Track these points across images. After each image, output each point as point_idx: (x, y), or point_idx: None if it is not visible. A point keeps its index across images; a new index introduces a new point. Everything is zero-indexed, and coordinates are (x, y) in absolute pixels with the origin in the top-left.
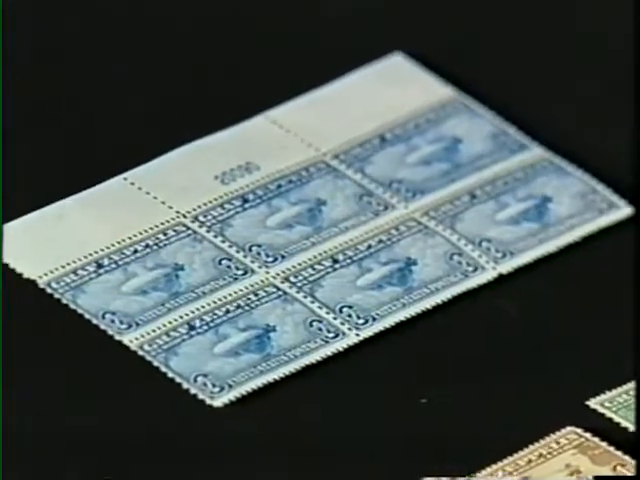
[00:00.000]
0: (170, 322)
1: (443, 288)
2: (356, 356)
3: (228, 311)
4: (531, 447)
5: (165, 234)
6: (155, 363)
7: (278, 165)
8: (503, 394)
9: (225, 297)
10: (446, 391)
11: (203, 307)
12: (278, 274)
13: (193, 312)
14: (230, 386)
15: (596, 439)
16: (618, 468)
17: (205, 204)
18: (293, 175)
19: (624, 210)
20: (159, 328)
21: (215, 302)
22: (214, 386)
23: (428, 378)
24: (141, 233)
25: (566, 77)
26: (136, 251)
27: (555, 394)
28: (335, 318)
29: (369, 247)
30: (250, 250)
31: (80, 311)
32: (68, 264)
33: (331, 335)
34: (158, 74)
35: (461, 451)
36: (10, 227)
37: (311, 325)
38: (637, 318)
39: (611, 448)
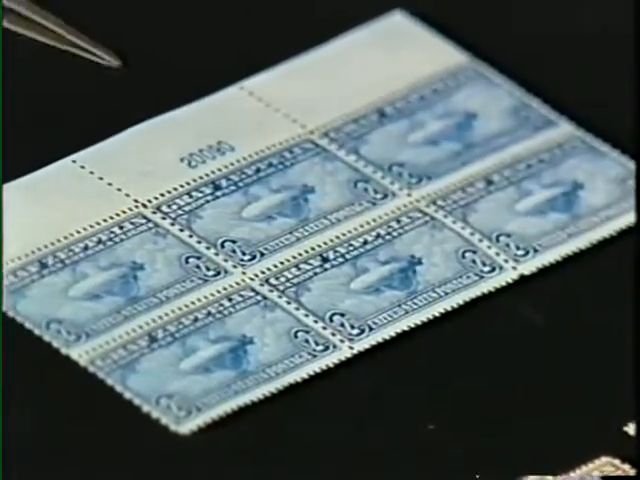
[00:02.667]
0: (127, 333)
1: (453, 292)
2: (349, 373)
3: (197, 319)
4: (564, 477)
5: (121, 227)
6: (109, 381)
7: (256, 145)
8: (526, 418)
9: (193, 303)
10: (458, 414)
11: (167, 315)
12: (256, 275)
13: (155, 321)
14: (199, 409)
15: (633, 472)
16: None
17: (169, 192)
18: (274, 157)
19: None
20: (114, 340)
21: (181, 309)
22: (180, 409)
23: (436, 399)
24: (92, 226)
25: (601, 40)
26: (86, 248)
27: (588, 418)
28: (325, 328)
29: (365, 243)
30: (223, 247)
31: (19, 319)
32: (5, 263)
33: (320, 348)
34: (112, 34)
35: None
36: None
37: (296, 336)
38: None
39: None
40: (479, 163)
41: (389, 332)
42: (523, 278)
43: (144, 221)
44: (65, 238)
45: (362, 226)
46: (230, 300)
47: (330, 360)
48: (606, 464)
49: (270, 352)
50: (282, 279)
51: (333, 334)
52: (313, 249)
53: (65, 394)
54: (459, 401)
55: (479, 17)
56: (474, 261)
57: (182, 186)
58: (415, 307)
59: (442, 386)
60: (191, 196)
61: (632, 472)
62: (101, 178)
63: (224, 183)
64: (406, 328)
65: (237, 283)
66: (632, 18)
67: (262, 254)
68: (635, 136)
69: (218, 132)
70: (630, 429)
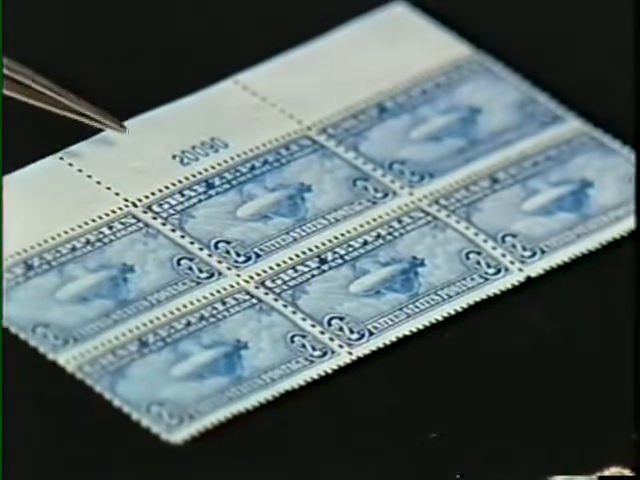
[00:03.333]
0: (117, 337)
1: (457, 295)
2: (348, 380)
3: (189, 323)
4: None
5: (110, 227)
6: (98, 388)
7: (251, 142)
8: (532, 427)
9: (185, 306)
10: (461, 423)
11: (158, 319)
12: (252, 277)
13: (145, 325)
14: (191, 417)
15: None
16: None
17: (160, 190)
18: (270, 154)
19: None
20: (103, 345)
21: (173, 312)
22: (172, 417)
23: (438, 407)
24: (80, 226)
25: (613, 31)
26: (74, 249)
27: (597, 426)
28: (322, 332)
29: (365, 244)
30: (216, 248)
31: (5, 323)
32: None
33: (317, 353)
34: (95, 29)
35: None
36: None
37: (292, 341)
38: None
39: None
40: (483, 160)
41: (390, 337)
42: (530, 280)
43: (134, 221)
44: (52, 239)
45: (362, 226)
46: (224, 303)
47: (328, 366)
48: (616, 474)
49: (265, 358)
50: (278, 281)
51: (331, 339)
52: (310, 250)
53: (52, 401)
54: (462, 409)
55: (483, 8)
56: (478, 263)
57: (174, 184)
58: (417, 310)
59: (445, 393)
60: (183, 195)
61: None
62: (89, 176)
63: (217, 181)
64: (408, 333)
65: (231, 286)
66: None
67: (257, 255)
68: (636, 130)
69: (211, 128)
70: None
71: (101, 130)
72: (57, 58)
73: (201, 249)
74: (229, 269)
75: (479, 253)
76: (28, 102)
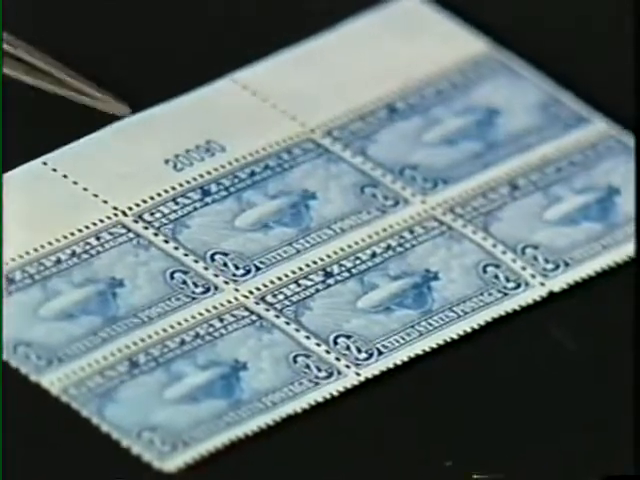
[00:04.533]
0: (105, 357)
1: (473, 311)
2: (355, 403)
3: (183, 342)
4: None
5: (98, 238)
6: (85, 412)
7: (250, 145)
8: (555, 452)
9: (180, 323)
10: (477, 449)
11: (150, 337)
12: (251, 292)
13: (136, 344)
14: (186, 444)
15: None
16: None
17: (152, 198)
18: (271, 158)
19: None
20: (90, 365)
21: (166, 330)
22: (164, 443)
23: (453, 432)
24: (66, 237)
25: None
26: (59, 261)
27: (624, 449)
28: (328, 352)
29: (373, 256)
30: (213, 260)
31: None
32: None
33: (322, 375)
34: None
35: None
36: None
37: (295, 361)
38: None
39: None
40: (502, 165)
41: (401, 356)
42: (552, 295)
43: (124, 231)
44: (35, 250)
45: (370, 237)
46: (221, 320)
47: (334, 388)
48: None
49: (266, 379)
50: (280, 296)
51: (337, 359)
52: (315, 263)
53: (34, 426)
54: (479, 433)
55: (502, 1)
56: (497, 276)
57: (167, 191)
58: (430, 328)
59: (460, 417)
60: (177, 203)
61: None
62: (75, 182)
63: (214, 188)
64: (420, 352)
65: (229, 301)
66: None
67: (257, 268)
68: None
69: (207, 130)
70: None
71: (88, 132)
72: (47, 53)
73: (196, 261)
74: (227, 283)
75: (497, 266)
76: (24, 80)
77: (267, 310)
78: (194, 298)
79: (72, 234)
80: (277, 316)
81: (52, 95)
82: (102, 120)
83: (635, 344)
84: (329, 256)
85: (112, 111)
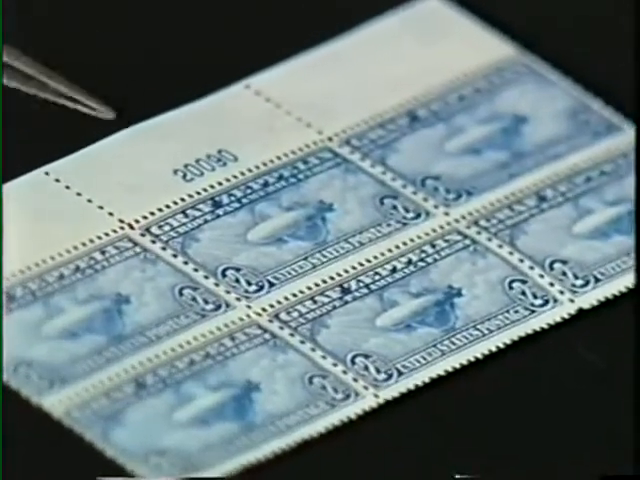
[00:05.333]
0: (111, 378)
1: (499, 329)
2: (374, 425)
3: (193, 362)
4: None
5: (103, 252)
6: (89, 436)
7: (264, 154)
8: (587, 475)
9: (189, 342)
10: (502, 473)
11: (157, 357)
12: (264, 309)
13: (143, 364)
14: (196, 468)
15: None
16: None
17: (160, 210)
18: (285, 168)
19: None
20: (95, 387)
21: (175, 349)
22: (173, 469)
23: (477, 456)
24: (69, 251)
25: None
26: (62, 276)
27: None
28: (345, 372)
29: (393, 271)
30: (224, 275)
31: None
32: None
33: (340, 396)
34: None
35: None
36: None
37: (311, 382)
38: None
39: None
40: (529, 176)
41: (422, 377)
42: (582, 313)
43: (130, 245)
44: (36, 265)
45: (390, 251)
46: (233, 339)
47: (352, 411)
48: None
49: (280, 401)
50: (295, 314)
51: (355, 380)
52: (332, 278)
53: (36, 451)
54: (504, 457)
55: (529, 2)
56: (524, 293)
57: (176, 203)
58: (453, 347)
59: (484, 440)
60: (186, 215)
61: None
62: (79, 194)
63: (225, 199)
64: (442, 372)
65: (241, 319)
66: None
67: (271, 284)
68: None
69: (218, 139)
70: None
71: (92, 141)
72: (55, 55)
73: (207, 277)
74: (238, 300)
75: (524, 282)
76: (12, 85)
77: (281, 328)
78: (204, 315)
79: (76, 248)
80: (292, 334)
81: (55, 103)
82: (107, 128)
83: None
84: (347, 271)
85: (99, 115)
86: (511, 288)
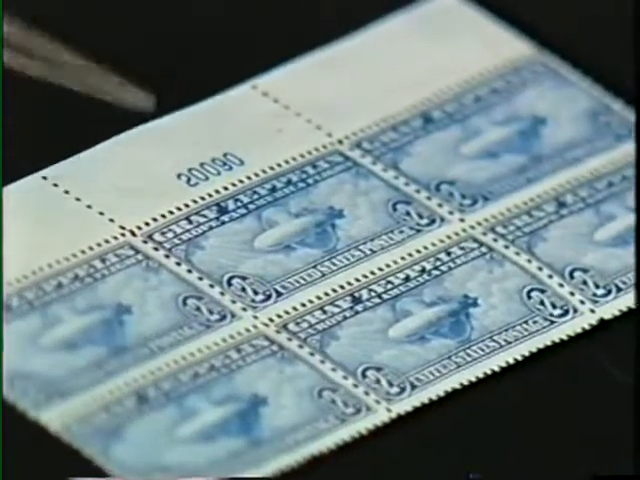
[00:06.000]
0: (111, 391)
1: (517, 341)
2: (386, 441)
3: (197, 375)
4: None
5: (104, 260)
6: (88, 452)
7: (271, 158)
8: None
9: (193, 354)
10: None
11: (160, 369)
12: (272, 320)
13: (145, 376)
14: None
15: None
16: None
17: (163, 216)
18: (294, 173)
19: None
20: (94, 400)
21: (178, 362)
22: None
23: (493, 472)
24: (68, 259)
25: None
26: (60, 285)
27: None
28: (356, 385)
29: (407, 279)
30: (230, 284)
31: None
32: None
33: (350, 410)
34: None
35: None
36: None
37: (320, 396)
38: None
39: None
40: (548, 180)
41: (436, 391)
42: (603, 323)
43: (132, 252)
44: (33, 274)
45: (403, 259)
46: (239, 351)
47: (363, 425)
48: None
49: (288, 416)
50: (303, 325)
51: (366, 393)
52: (342, 287)
53: (33, 468)
54: (522, 474)
55: None
56: (542, 302)
57: (179, 209)
58: (469, 359)
59: (501, 456)
60: (190, 221)
61: None
62: (78, 199)
63: (231, 205)
64: (457, 386)
65: (247, 330)
66: None
67: (279, 293)
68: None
69: (224, 142)
70: None
71: (92, 143)
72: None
73: (211, 286)
74: (245, 310)
75: (543, 291)
76: (43, 76)
77: (289, 340)
78: (209, 326)
79: (75, 256)
80: (300, 346)
81: (52, 102)
82: (108, 131)
83: None
84: (358, 280)
85: (136, 103)
86: (529, 298)
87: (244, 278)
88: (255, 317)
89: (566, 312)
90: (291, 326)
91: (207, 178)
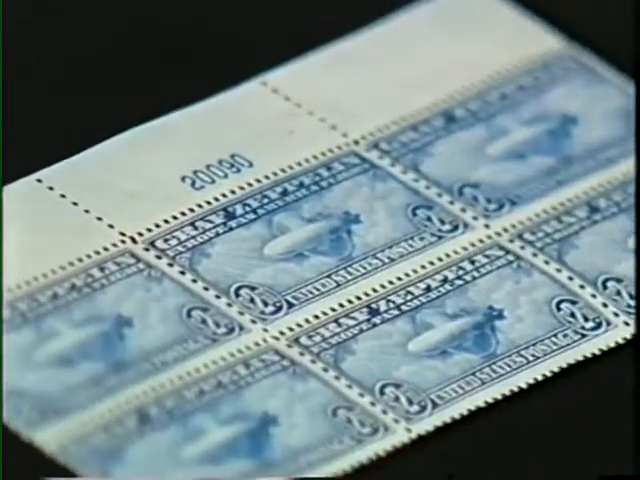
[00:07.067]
0: (110, 410)
1: (545, 356)
2: (405, 463)
3: (203, 392)
4: None
5: (102, 269)
6: (86, 474)
7: (282, 159)
8: None
9: (198, 370)
10: None
11: (163, 386)
12: (283, 333)
13: (147, 394)
14: None
15: None
16: None
17: (166, 221)
18: (306, 175)
19: None
20: (92, 420)
21: (182, 378)
22: None
23: None
24: (64, 268)
25: None
26: (56, 296)
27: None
28: (373, 403)
29: (428, 290)
30: (237, 295)
31: None
32: None
33: (367, 430)
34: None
35: None
36: None
37: (335, 415)
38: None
39: None
40: (580, 183)
41: (459, 409)
42: (638, 336)
43: (133, 261)
44: (27, 284)
45: (424, 267)
46: (247, 366)
47: (381, 447)
48: None
49: (301, 436)
50: (317, 338)
51: (385, 412)
52: (359, 298)
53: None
54: None
55: None
56: (573, 314)
57: (184, 214)
58: (494, 376)
59: (530, 478)
60: (196, 227)
61: None
62: (75, 203)
63: (240, 210)
64: (482, 404)
65: (257, 343)
66: None
67: (290, 305)
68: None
69: (231, 142)
70: None
71: (90, 144)
72: (60, 50)
73: (218, 297)
74: (254, 322)
75: (574, 302)
76: None
77: (302, 354)
78: (215, 340)
79: (71, 264)
80: (313, 361)
81: (47, 97)
82: (107, 130)
83: None
84: (375, 290)
85: None
86: (559, 309)
87: (253, 288)
88: (265, 330)
89: (599, 325)
90: (303, 340)
91: (213, 181)
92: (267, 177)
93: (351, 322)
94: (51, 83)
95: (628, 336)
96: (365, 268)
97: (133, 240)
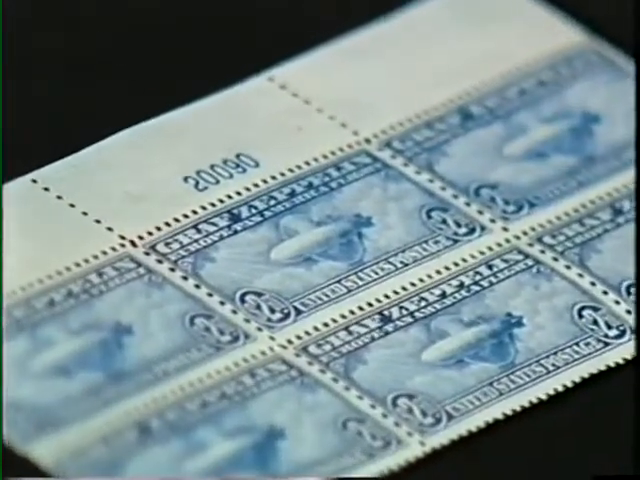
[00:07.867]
0: (109, 422)
1: (566, 365)
2: (419, 478)
3: (206, 403)
4: None
5: (101, 274)
6: None
7: (290, 159)
8: None
9: (202, 380)
10: None
11: (164, 397)
12: (290, 341)
13: (147, 405)
14: None
15: None
16: None
17: (168, 224)
18: (315, 175)
19: None
20: (90, 432)
21: (185, 389)
22: None
23: None
24: (60, 273)
25: None
26: (52, 303)
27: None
28: (385, 415)
29: (443, 296)
30: (243, 301)
31: None
32: None
33: (379, 444)
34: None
35: None
36: None
37: (345, 427)
38: None
39: None
40: (603, 184)
41: (476, 422)
42: None
43: (133, 265)
44: (22, 290)
45: (439, 273)
46: (253, 376)
47: (393, 461)
48: None
49: (309, 450)
50: (326, 347)
51: (397, 424)
52: (370, 305)
53: None
54: None
55: None
56: (596, 322)
57: (186, 216)
58: (512, 386)
59: None
60: (199, 230)
61: None
62: (72, 205)
63: (245, 212)
64: (500, 416)
65: (263, 352)
66: None
67: (298, 312)
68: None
69: (237, 141)
70: None
71: (88, 143)
72: (57, 46)
73: (222, 303)
74: (260, 330)
75: (597, 309)
76: None
77: (310, 364)
78: (219, 349)
79: (68, 269)
80: (322, 371)
81: (44, 95)
82: (105, 128)
83: None
84: (387, 297)
85: None
86: (581, 317)
87: (259, 294)
88: (272, 338)
89: (623, 333)
90: (312, 349)
91: (218, 182)
92: (274, 177)
93: (362, 330)
94: (51, 83)
95: None
96: (377, 273)
97: (133, 244)
